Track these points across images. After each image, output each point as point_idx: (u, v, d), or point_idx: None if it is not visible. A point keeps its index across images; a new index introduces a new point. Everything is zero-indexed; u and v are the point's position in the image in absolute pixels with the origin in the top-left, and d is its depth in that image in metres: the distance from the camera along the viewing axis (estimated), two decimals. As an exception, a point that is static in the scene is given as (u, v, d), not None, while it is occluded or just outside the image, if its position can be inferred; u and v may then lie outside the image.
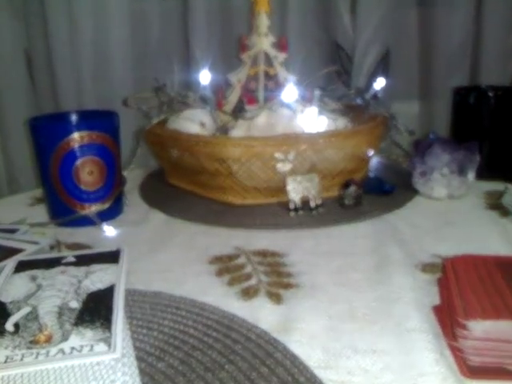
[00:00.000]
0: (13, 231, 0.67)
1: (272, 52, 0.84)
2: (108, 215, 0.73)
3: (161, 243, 0.66)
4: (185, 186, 0.85)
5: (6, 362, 0.39)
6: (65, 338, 0.41)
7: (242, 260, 0.60)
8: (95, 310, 0.45)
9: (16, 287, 0.49)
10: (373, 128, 0.80)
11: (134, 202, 0.82)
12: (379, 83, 0.85)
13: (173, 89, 0.88)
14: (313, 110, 0.78)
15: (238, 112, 0.84)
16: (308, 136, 0.75)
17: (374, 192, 0.80)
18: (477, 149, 0.78)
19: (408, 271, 0.56)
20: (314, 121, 0.78)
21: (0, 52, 1.13)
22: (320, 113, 0.79)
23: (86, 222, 0.71)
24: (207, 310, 0.48)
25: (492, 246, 0.62)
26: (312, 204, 0.73)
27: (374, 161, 0.96)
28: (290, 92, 0.79)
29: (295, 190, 0.73)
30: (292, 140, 0.73)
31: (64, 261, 0.55)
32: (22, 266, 0.54)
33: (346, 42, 1.20)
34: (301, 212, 0.73)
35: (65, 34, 1.11)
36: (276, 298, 0.51)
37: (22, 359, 0.39)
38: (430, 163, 0.77)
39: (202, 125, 0.81)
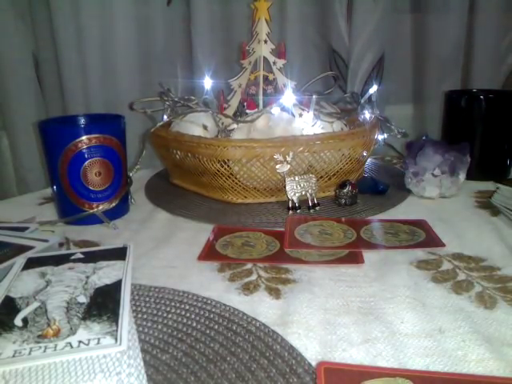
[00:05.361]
0: (23, 229, 0.68)
1: (271, 58, 0.84)
2: (115, 214, 0.74)
3: (165, 240, 0.67)
4: (188, 186, 0.86)
5: (14, 356, 0.39)
6: (73, 331, 0.42)
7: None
8: (102, 305, 0.46)
9: (25, 283, 0.50)
10: (367, 131, 0.80)
11: (139, 201, 0.83)
12: (373, 87, 0.86)
13: (177, 93, 0.89)
14: (310, 114, 0.79)
15: (239, 115, 0.85)
16: (306, 138, 0.75)
17: (368, 192, 0.81)
18: (468, 150, 0.79)
19: (402, 267, 0.57)
20: (311, 124, 0.79)
21: (8, 54, 1.12)
22: (317, 116, 0.80)
23: (93, 220, 0.72)
24: (209, 304, 0.49)
25: (484, 244, 0.63)
26: (309, 203, 0.75)
27: (369, 162, 0.97)
28: (288, 96, 0.80)
29: (293, 190, 0.74)
30: (290, 142, 0.73)
31: (72, 257, 0.56)
32: (31, 263, 0.54)
33: (341, 47, 1.21)
34: (299, 211, 0.74)
35: (71, 38, 1.11)
36: (275, 293, 0.52)
37: (30, 353, 0.39)
38: (422, 164, 0.78)
39: (205, 127, 0.83)
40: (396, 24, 1.22)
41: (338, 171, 0.80)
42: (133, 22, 1.14)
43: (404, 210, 0.76)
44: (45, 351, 0.40)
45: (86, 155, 0.70)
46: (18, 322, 0.44)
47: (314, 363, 0.41)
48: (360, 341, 0.44)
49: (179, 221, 0.74)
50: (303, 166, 0.76)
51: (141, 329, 0.46)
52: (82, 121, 0.80)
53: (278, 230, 0.68)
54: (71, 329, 0.42)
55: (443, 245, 0.62)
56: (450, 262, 0.58)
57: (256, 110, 0.84)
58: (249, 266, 0.59)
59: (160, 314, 0.48)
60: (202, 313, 0.48)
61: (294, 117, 0.80)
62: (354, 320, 0.47)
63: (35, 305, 0.46)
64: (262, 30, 0.84)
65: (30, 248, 0.60)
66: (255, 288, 0.53)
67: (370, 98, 0.85)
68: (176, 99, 0.86)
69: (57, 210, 0.77)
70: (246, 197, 0.79)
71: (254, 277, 0.56)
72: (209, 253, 0.62)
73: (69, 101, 1.15)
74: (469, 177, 0.81)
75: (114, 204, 0.74)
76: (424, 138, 0.82)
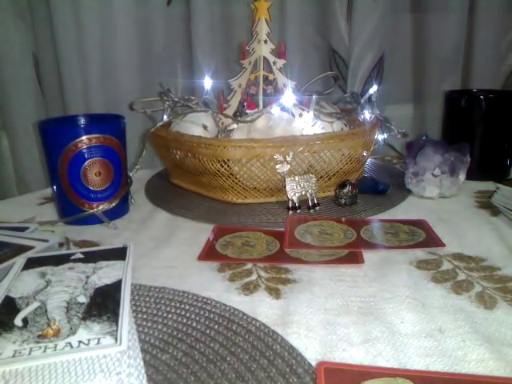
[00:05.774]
0: (23, 229, 0.68)
1: (271, 58, 0.84)
2: (115, 214, 0.74)
3: (165, 240, 0.67)
4: (188, 186, 0.86)
5: (14, 356, 0.39)
6: (73, 331, 0.42)
7: (242, 256, 0.61)
8: (102, 305, 0.46)
9: (25, 283, 0.50)
10: (367, 131, 0.80)
11: (139, 201, 0.83)
12: (373, 87, 0.85)
13: (177, 93, 0.89)
14: (310, 114, 0.79)
15: (239, 115, 0.85)
16: (305, 138, 0.75)
17: (368, 192, 0.81)
18: (468, 150, 0.79)
19: (402, 267, 0.57)
20: (311, 124, 0.79)
21: (8, 55, 1.12)
22: (317, 116, 0.80)
23: (93, 220, 0.72)
24: (209, 305, 0.49)
25: (484, 244, 0.63)
26: (309, 203, 0.75)
27: (369, 162, 0.97)
28: (288, 96, 0.80)
29: (293, 190, 0.74)
30: (290, 142, 0.73)
31: (72, 257, 0.56)
32: (31, 263, 0.55)
33: (341, 47, 1.21)
34: (299, 211, 0.74)
35: (71, 38, 1.11)
36: (275, 293, 0.52)
37: (30, 353, 0.39)
38: (422, 164, 0.78)
39: (205, 127, 0.83)
40: (396, 24, 1.23)
41: (338, 171, 0.80)
42: (133, 22, 1.13)
43: (404, 210, 0.76)
44: (45, 351, 0.40)
45: (86, 155, 0.70)
46: (17, 322, 0.44)
47: (313, 363, 0.40)
48: (360, 341, 0.44)
49: (179, 221, 0.74)
50: (303, 166, 0.76)
51: (141, 329, 0.45)
52: (82, 121, 0.80)
53: (278, 230, 0.69)
54: (71, 329, 0.42)
55: (443, 245, 0.62)
56: (450, 262, 0.58)
57: (256, 110, 0.84)
58: (249, 266, 0.59)
59: (160, 314, 0.48)
60: (202, 313, 0.48)
61: (294, 117, 0.80)
62: (354, 320, 0.47)
63: (35, 305, 0.46)
64: (261, 29, 0.84)
65: (29, 248, 0.60)
66: (255, 288, 0.53)
67: (369, 97, 0.85)
68: (176, 99, 0.86)
69: (57, 209, 0.77)
70: (246, 197, 0.79)
71: (254, 277, 0.56)
72: (209, 253, 0.62)
73: (69, 101, 1.15)
74: (469, 177, 0.81)
75: (113, 204, 0.74)
76: (424, 138, 0.82)
